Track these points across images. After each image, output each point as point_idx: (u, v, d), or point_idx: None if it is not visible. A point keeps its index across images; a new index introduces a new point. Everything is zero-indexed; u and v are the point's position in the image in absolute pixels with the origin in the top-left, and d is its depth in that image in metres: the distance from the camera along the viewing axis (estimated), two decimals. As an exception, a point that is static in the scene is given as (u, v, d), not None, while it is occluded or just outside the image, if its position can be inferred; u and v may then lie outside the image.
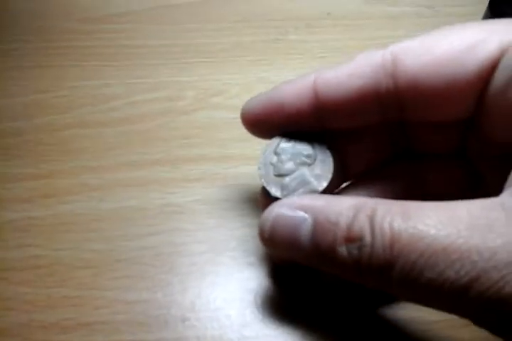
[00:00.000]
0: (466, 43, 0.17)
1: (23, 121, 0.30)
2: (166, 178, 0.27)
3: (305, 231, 0.17)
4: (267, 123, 0.20)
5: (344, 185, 0.22)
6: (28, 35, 0.36)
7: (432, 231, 0.14)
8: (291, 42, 0.36)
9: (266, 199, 0.20)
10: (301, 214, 0.17)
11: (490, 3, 0.35)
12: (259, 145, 0.28)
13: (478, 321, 0.14)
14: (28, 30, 0.37)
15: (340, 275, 0.17)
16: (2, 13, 0.38)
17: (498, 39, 0.16)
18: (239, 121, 0.30)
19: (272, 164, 0.20)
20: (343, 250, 0.16)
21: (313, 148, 0.20)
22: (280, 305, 0.22)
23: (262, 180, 0.20)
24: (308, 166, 0.20)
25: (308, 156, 0.20)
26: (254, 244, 0.24)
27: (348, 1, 0.40)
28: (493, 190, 0.17)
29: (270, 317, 0.22)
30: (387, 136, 0.21)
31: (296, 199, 0.18)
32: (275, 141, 0.21)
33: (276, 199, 0.19)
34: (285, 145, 0.21)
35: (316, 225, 0.16)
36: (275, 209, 0.18)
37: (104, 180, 0.27)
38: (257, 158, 0.28)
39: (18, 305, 0.22)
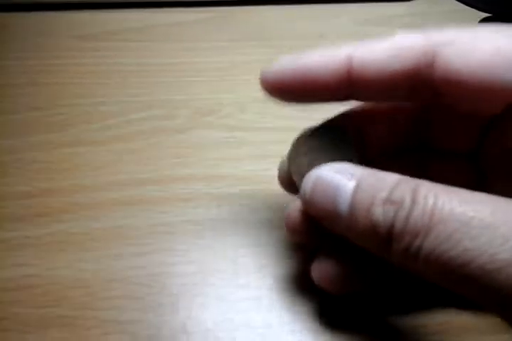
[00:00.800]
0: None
1: (17, 138, 0.30)
2: (158, 197, 0.28)
3: (346, 192, 0.17)
4: (289, 88, 0.19)
5: None
6: (22, 52, 0.37)
7: (478, 207, 0.14)
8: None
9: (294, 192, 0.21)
10: (347, 176, 0.17)
11: (478, 27, 0.36)
12: (249, 166, 0.29)
13: (501, 311, 0.14)
14: (24, 47, 0.37)
15: (371, 249, 0.17)
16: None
17: None
18: (230, 140, 0.31)
19: (301, 163, 0.20)
20: (378, 210, 0.15)
21: (340, 142, 0.20)
22: (271, 326, 0.23)
23: (294, 178, 0.20)
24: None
25: (335, 150, 0.20)
26: (244, 265, 0.25)
27: (341, 22, 0.41)
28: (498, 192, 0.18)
29: (261, 340, 0.22)
30: (405, 124, 0.22)
31: (344, 164, 0.18)
32: (301, 139, 0.21)
33: None
34: (312, 143, 0.21)
35: (358, 188, 0.16)
36: (318, 171, 0.18)
37: (98, 199, 0.27)
38: (248, 178, 0.29)
39: (11, 325, 0.22)
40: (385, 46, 0.18)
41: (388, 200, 0.15)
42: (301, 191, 0.19)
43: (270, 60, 0.36)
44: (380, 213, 0.15)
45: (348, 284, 0.20)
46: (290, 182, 0.21)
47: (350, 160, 0.19)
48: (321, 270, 0.20)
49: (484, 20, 0.36)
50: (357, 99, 0.20)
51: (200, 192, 0.28)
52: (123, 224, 0.26)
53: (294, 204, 0.21)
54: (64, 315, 0.23)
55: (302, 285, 0.24)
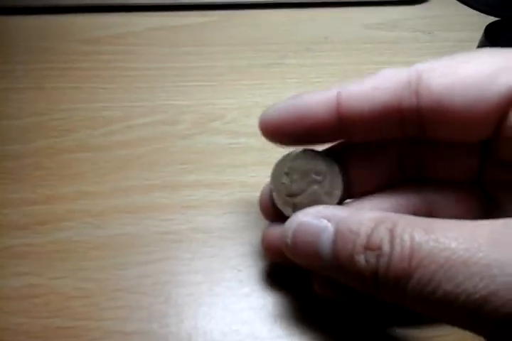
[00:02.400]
0: (490, 68, 0.17)
1: (20, 144, 0.30)
2: (163, 204, 0.27)
3: (326, 238, 0.17)
4: (286, 132, 0.20)
5: (347, 201, 0.22)
6: (23, 55, 0.36)
7: (453, 245, 0.14)
8: (289, 66, 0.36)
9: (273, 219, 0.22)
10: (325, 222, 0.18)
11: (486, 30, 0.36)
12: (254, 172, 0.29)
13: (491, 338, 0.15)
14: (25, 50, 0.37)
15: (358, 288, 0.17)
16: (-1, 32, 0.38)
17: None
18: (236, 146, 0.30)
19: (282, 184, 0.21)
20: (361, 259, 0.16)
21: (322, 163, 0.20)
22: (279, 337, 0.22)
23: (276, 202, 0.21)
24: (319, 184, 0.20)
25: (318, 173, 0.20)
26: (250, 274, 0.24)
27: (346, 25, 0.40)
28: (508, 214, 0.17)
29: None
30: (398, 157, 0.22)
31: (321, 209, 0.18)
32: (284, 160, 0.21)
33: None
34: (293, 163, 0.21)
35: (337, 233, 0.17)
36: (299, 217, 0.18)
37: (101, 205, 0.27)
38: (253, 184, 0.28)
39: (13, 335, 0.22)
40: (371, 81, 0.19)
41: (368, 246, 0.16)
42: (283, 237, 0.19)
43: (273, 65, 0.36)
44: (362, 260, 0.16)
45: (347, 292, 0.20)
46: (272, 208, 0.21)
47: (334, 185, 0.20)
48: (320, 279, 0.21)
49: (492, 25, 0.35)
50: (349, 138, 0.20)
51: (207, 199, 0.27)
52: (127, 231, 0.26)
53: (270, 227, 0.22)
54: (67, 325, 0.22)
55: (308, 295, 0.23)
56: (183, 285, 0.24)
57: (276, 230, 0.21)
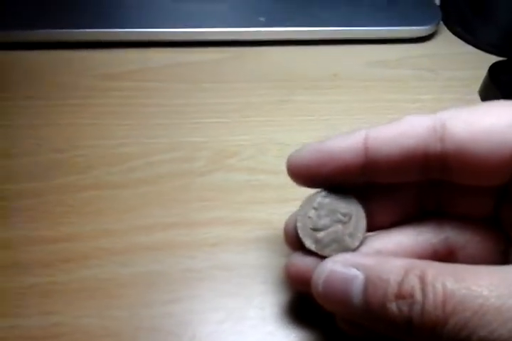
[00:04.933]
0: (510, 120, 0.18)
1: (40, 181, 0.30)
2: (184, 242, 0.28)
3: (357, 287, 0.18)
4: (314, 174, 0.21)
5: (368, 234, 0.23)
6: (39, 91, 0.37)
7: (485, 292, 0.15)
8: (298, 103, 0.37)
9: (296, 248, 0.22)
10: (354, 271, 0.18)
11: (490, 69, 0.37)
12: (274, 209, 0.29)
13: None
14: (40, 86, 0.37)
15: (391, 334, 0.18)
16: (15, 68, 0.39)
17: None
18: (253, 183, 0.31)
19: (309, 217, 0.21)
20: (393, 307, 0.16)
21: (350, 205, 0.21)
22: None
23: (299, 232, 0.21)
24: (343, 224, 0.21)
25: (344, 214, 0.21)
26: (273, 312, 0.25)
27: (353, 63, 0.41)
28: None
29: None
30: (418, 193, 0.22)
31: (348, 257, 0.19)
32: (315, 195, 0.22)
33: (309, 251, 0.21)
34: (324, 200, 0.22)
35: (368, 282, 0.17)
36: (328, 265, 0.19)
37: (123, 243, 0.27)
38: (273, 221, 0.29)
39: (42, 376, 0.22)
40: (397, 126, 0.20)
41: (399, 295, 0.16)
42: (313, 284, 0.19)
43: (283, 102, 0.37)
44: (395, 309, 0.16)
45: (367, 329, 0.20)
46: (295, 237, 0.22)
47: (358, 227, 0.21)
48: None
49: (496, 64, 0.37)
50: (374, 180, 0.21)
51: (227, 236, 0.28)
52: (151, 269, 0.26)
53: (294, 256, 0.22)
54: (94, 365, 0.23)
55: (332, 333, 0.24)
56: (207, 323, 0.24)
57: (299, 259, 0.22)
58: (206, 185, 0.31)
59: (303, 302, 0.25)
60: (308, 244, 0.21)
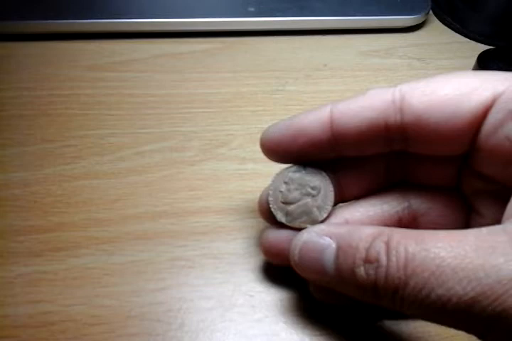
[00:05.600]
0: (465, 88, 0.19)
1: (30, 171, 0.30)
2: (174, 231, 0.28)
3: (329, 255, 0.19)
4: (285, 149, 0.22)
5: (339, 205, 0.24)
6: (29, 82, 0.37)
7: (442, 253, 0.16)
8: (290, 92, 0.37)
9: (271, 221, 0.23)
10: (328, 239, 0.19)
11: (478, 58, 0.37)
12: (263, 198, 0.29)
13: (482, 336, 0.16)
14: (30, 77, 0.37)
15: (361, 298, 0.19)
16: (5, 59, 0.39)
17: (492, 87, 0.19)
18: (243, 172, 0.31)
19: (280, 191, 0.23)
20: (361, 271, 0.18)
21: (319, 179, 0.22)
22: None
23: (270, 206, 0.23)
24: (312, 197, 0.22)
25: (313, 188, 0.22)
26: (262, 299, 0.25)
27: (344, 52, 0.41)
28: (487, 220, 0.21)
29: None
30: (385, 165, 0.23)
31: (323, 227, 0.20)
32: (286, 170, 0.23)
33: (281, 224, 0.22)
34: (294, 175, 0.23)
35: (339, 249, 0.19)
36: (304, 235, 0.20)
37: (113, 232, 0.27)
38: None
39: (32, 364, 0.22)
40: (359, 100, 0.21)
41: (367, 259, 0.18)
42: (291, 254, 0.21)
43: (275, 91, 0.37)
44: (363, 273, 0.18)
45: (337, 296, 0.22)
46: (269, 210, 0.23)
47: (326, 200, 0.22)
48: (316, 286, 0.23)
49: (485, 53, 0.37)
50: (341, 153, 0.22)
51: (216, 225, 0.28)
52: (140, 258, 0.26)
53: (267, 230, 0.24)
54: (84, 353, 0.23)
55: (319, 319, 0.24)
56: (197, 311, 0.25)
57: (271, 233, 0.23)
58: (196, 175, 0.31)
59: (291, 290, 0.25)
60: (280, 216, 0.22)
